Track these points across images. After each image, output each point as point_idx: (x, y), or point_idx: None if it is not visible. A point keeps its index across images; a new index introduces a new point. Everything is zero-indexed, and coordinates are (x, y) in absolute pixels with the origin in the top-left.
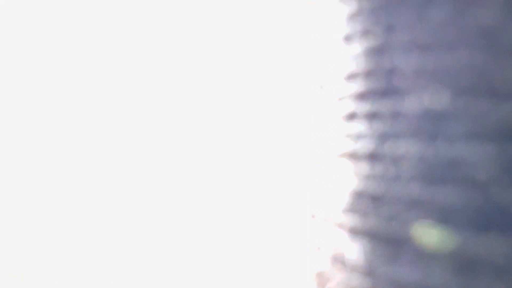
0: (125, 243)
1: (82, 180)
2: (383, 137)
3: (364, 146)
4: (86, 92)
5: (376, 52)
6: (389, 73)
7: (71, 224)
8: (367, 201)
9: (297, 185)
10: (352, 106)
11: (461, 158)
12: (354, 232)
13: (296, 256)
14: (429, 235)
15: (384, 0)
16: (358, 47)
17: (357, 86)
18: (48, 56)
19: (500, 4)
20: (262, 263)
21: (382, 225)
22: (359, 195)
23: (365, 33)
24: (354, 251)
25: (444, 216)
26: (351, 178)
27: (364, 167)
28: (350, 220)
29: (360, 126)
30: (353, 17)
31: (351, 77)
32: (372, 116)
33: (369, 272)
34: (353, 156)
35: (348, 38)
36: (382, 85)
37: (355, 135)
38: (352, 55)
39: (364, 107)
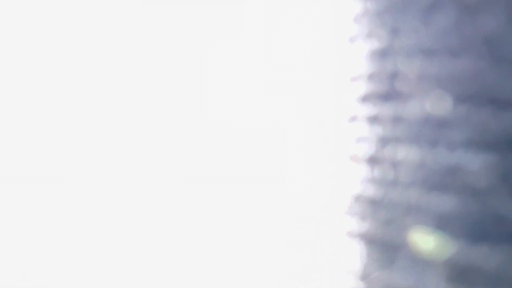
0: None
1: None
2: (383, 141)
3: (364, 149)
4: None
5: (379, 55)
6: (391, 77)
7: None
8: (365, 205)
9: (294, 187)
10: (354, 108)
11: (460, 166)
12: (351, 235)
13: (290, 259)
14: (425, 241)
15: (390, 3)
16: (362, 49)
17: (359, 88)
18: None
19: (505, 12)
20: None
21: (379, 229)
22: (357, 199)
23: (370, 35)
24: (350, 254)
25: (441, 223)
26: (349, 181)
27: (363, 171)
28: (347, 223)
29: (360, 129)
30: (358, 19)
31: (354, 79)
32: (373, 120)
33: (364, 276)
34: (353, 159)
35: (352, 40)
36: (384, 88)
37: (355, 138)
38: (355, 57)
39: (365, 110)
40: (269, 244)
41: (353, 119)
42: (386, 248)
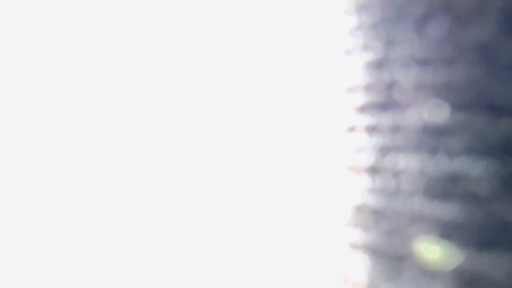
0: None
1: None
2: (383, 151)
3: (364, 159)
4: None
5: (375, 66)
6: (388, 87)
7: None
8: (367, 216)
9: (296, 198)
10: (352, 119)
11: (461, 173)
12: (355, 247)
13: (295, 270)
14: (431, 251)
15: (384, 15)
16: (358, 61)
17: (357, 99)
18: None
19: (499, 20)
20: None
21: (383, 240)
22: (359, 209)
23: (365, 47)
24: (355, 266)
25: (445, 232)
26: (351, 192)
27: (364, 181)
28: (351, 234)
29: (359, 140)
30: (353, 31)
31: (351, 90)
32: (372, 130)
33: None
34: (353, 169)
35: (348, 52)
36: (382, 98)
37: (355, 148)
38: (352, 69)
39: (363, 120)
40: (270, 248)
41: (352, 129)
42: (391, 259)
